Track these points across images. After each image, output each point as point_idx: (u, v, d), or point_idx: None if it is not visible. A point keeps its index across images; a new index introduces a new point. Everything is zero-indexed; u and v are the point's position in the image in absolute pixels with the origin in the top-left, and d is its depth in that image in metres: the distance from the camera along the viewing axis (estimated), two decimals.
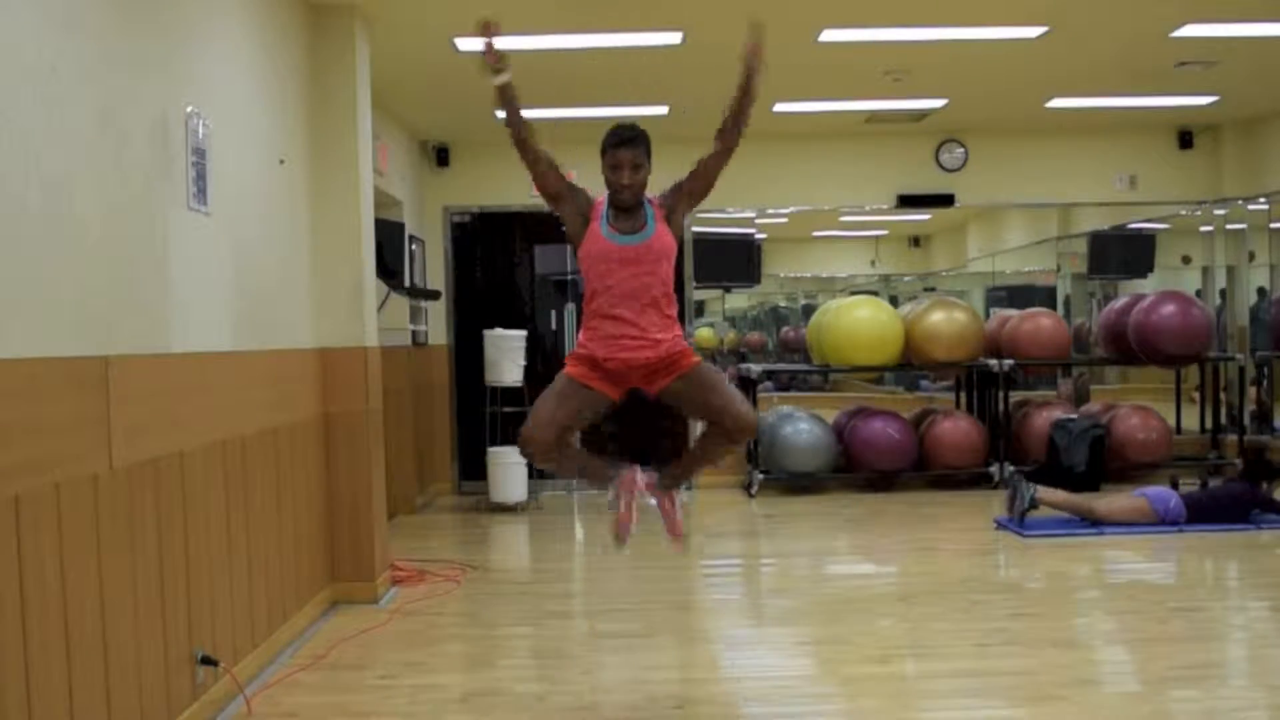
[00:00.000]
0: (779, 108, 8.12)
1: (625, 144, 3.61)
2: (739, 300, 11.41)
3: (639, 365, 3.63)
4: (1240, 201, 9.11)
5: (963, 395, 9.66)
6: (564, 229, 3.74)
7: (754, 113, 3.75)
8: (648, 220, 3.63)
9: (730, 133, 3.79)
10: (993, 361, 8.66)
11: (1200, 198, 9.30)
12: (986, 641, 4.60)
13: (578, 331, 3.75)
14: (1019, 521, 6.78)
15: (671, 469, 3.85)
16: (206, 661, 3.75)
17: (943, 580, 5.75)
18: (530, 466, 8.25)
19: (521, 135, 3.67)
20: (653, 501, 3.81)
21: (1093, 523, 6.78)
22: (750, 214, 9.40)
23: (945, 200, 9.27)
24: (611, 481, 3.81)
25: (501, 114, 3.70)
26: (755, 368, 9.01)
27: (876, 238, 12.29)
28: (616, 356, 3.62)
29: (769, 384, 10.32)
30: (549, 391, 3.70)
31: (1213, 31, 6.35)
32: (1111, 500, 6.89)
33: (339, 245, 5.39)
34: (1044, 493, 6.93)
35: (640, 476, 3.80)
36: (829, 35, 6.21)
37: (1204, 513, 6.78)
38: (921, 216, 10.83)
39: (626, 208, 3.63)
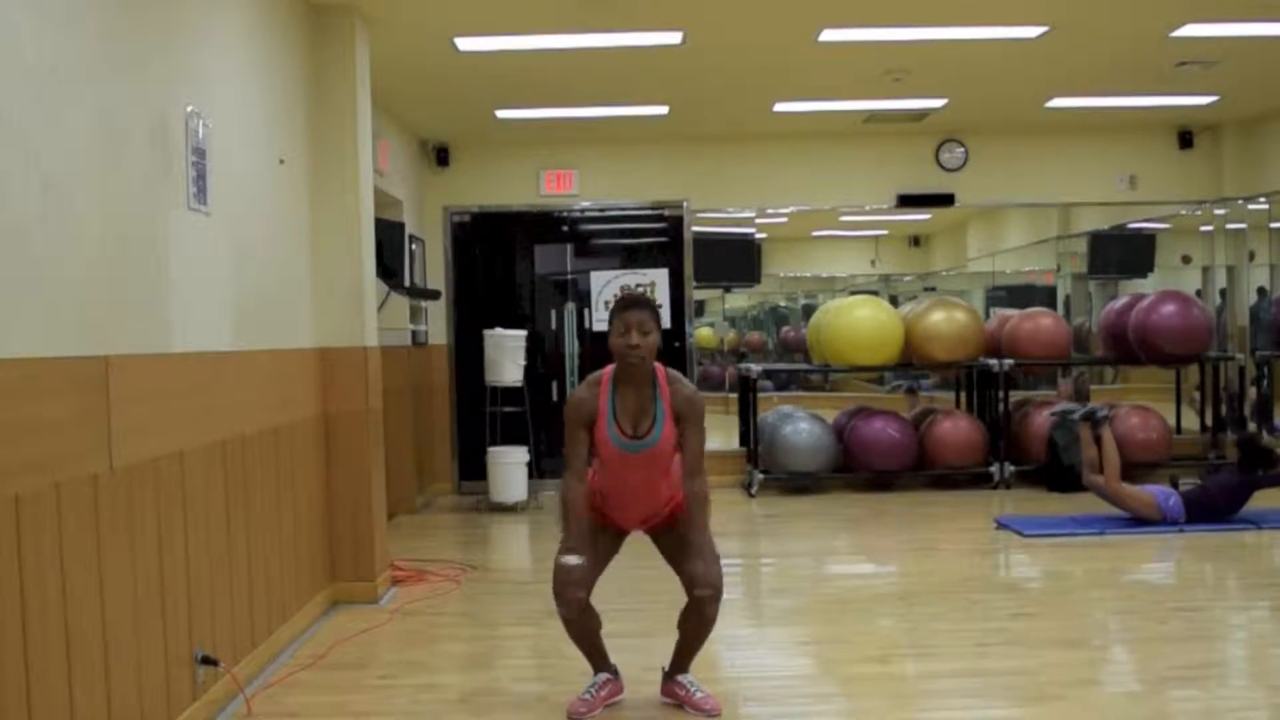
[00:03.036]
0: (779, 108, 8.12)
1: (633, 307, 3.65)
2: (739, 300, 11.39)
3: (641, 523, 3.89)
4: (1240, 201, 9.11)
5: (963, 395, 9.66)
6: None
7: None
8: (656, 419, 3.69)
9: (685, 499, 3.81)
10: (993, 361, 8.66)
11: (1200, 197, 9.30)
12: (986, 641, 4.60)
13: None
14: (1084, 417, 6.98)
15: (674, 658, 3.90)
16: (206, 661, 3.75)
17: (943, 580, 5.75)
18: (531, 466, 8.27)
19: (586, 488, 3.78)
20: (671, 699, 3.89)
21: (1103, 496, 6.81)
22: (750, 214, 9.40)
23: (945, 200, 9.27)
24: (596, 673, 3.91)
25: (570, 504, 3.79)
26: (755, 368, 9.01)
27: (876, 237, 12.27)
28: (623, 524, 3.89)
29: (769, 384, 10.32)
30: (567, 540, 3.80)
31: (1213, 31, 6.35)
32: (1129, 485, 6.91)
33: (339, 245, 5.39)
34: (1087, 439, 7.02)
35: (613, 690, 3.90)
36: (829, 35, 6.22)
37: (1201, 508, 6.79)
38: (921, 216, 10.82)
39: (633, 379, 3.66)
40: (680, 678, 3.88)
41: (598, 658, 3.91)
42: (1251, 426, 8.83)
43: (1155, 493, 6.85)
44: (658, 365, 3.72)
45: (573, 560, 3.65)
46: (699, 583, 3.67)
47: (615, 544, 3.92)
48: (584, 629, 3.81)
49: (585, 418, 3.70)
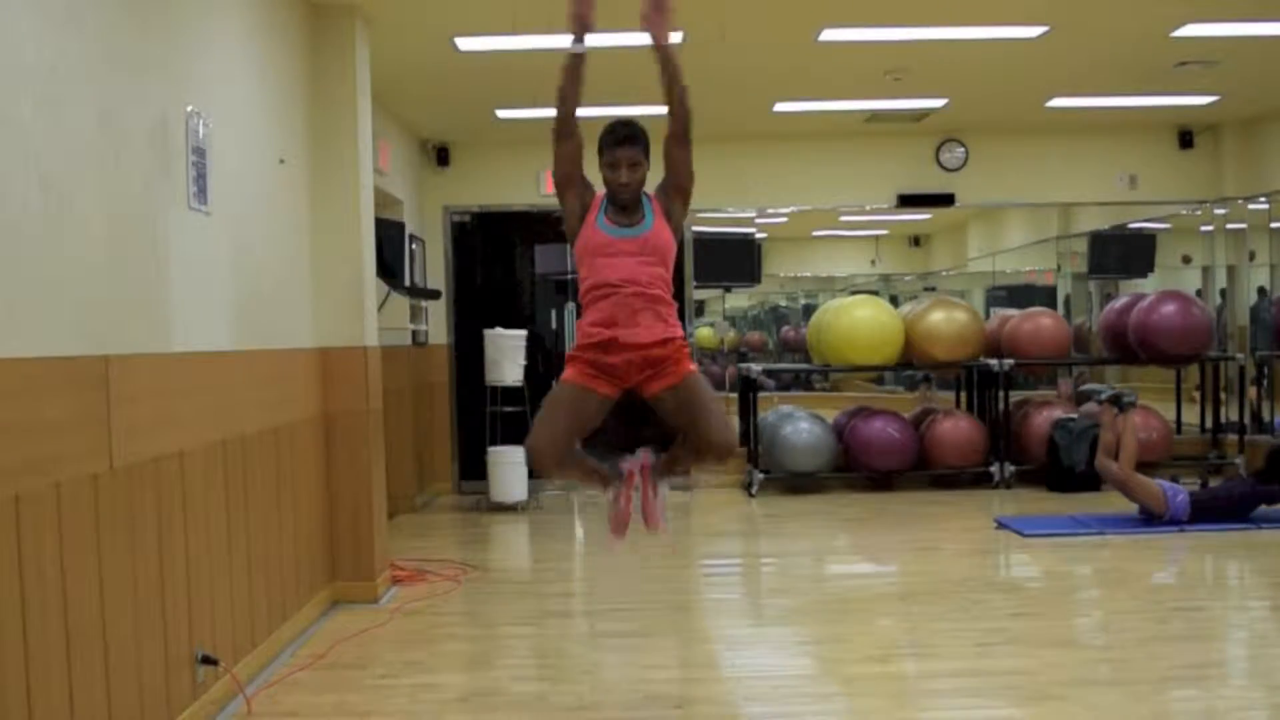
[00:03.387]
0: (779, 108, 8.12)
1: (623, 142, 3.58)
2: (739, 300, 11.41)
3: (638, 355, 3.53)
4: (1240, 201, 9.11)
5: (963, 395, 9.66)
6: (563, 224, 3.70)
7: (682, 80, 3.72)
8: (646, 215, 3.61)
9: (673, 109, 3.72)
10: (993, 361, 8.65)
11: (1200, 197, 9.30)
12: (986, 641, 4.60)
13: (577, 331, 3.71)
14: (1108, 398, 6.97)
15: (660, 463, 3.80)
16: (206, 661, 3.75)
17: (943, 580, 5.75)
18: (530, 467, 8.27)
19: (571, 110, 3.61)
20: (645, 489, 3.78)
21: (1112, 480, 6.83)
22: (750, 214, 9.40)
23: (945, 200, 9.27)
24: (613, 481, 3.78)
25: (562, 86, 3.63)
26: (755, 367, 9.01)
27: (876, 237, 12.29)
28: (615, 348, 3.53)
29: (771, 383, 10.32)
30: (550, 402, 3.65)
31: (1213, 31, 6.34)
32: (1141, 477, 6.89)
33: (339, 245, 5.39)
34: (1108, 422, 7.02)
35: (639, 465, 3.75)
36: (829, 35, 6.21)
37: (1207, 512, 6.79)
38: (922, 216, 10.83)
39: (624, 206, 3.61)
40: (659, 483, 3.79)
41: (600, 475, 3.79)
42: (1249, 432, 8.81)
43: (1164, 487, 6.83)
44: (647, 191, 3.65)
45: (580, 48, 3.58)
46: (716, 448, 3.56)
47: (602, 409, 3.62)
48: (567, 472, 3.75)
49: (584, 196, 3.62)
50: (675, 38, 3.69)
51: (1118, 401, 7.05)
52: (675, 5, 3.60)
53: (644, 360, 3.54)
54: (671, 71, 3.64)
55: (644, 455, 3.76)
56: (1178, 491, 6.83)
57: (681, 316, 9.85)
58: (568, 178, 3.64)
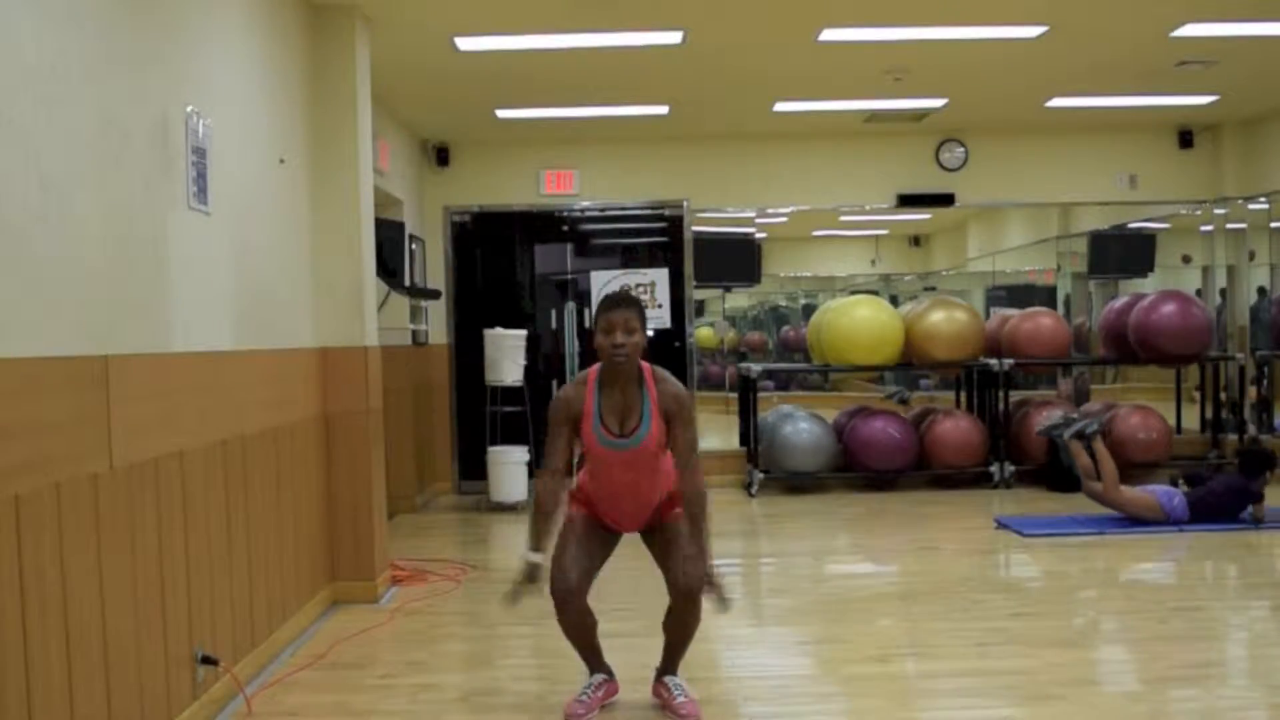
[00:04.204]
0: (779, 108, 8.12)
1: (618, 307, 3.59)
2: (739, 300, 11.40)
3: (634, 520, 3.84)
4: (1240, 201, 9.11)
5: (963, 395, 9.66)
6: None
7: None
8: (643, 418, 3.63)
9: (682, 499, 3.77)
10: (993, 361, 8.66)
11: (1200, 197, 9.30)
12: (986, 641, 4.60)
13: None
14: (1093, 433, 6.89)
15: (662, 658, 3.90)
16: (206, 661, 3.75)
17: (943, 580, 5.75)
18: (531, 466, 8.26)
19: (561, 486, 3.75)
20: (659, 700, 3.88)
21: (1103, 503, 6.79)
22: (750, 214, 9.40)
23: (945, 200, 9.27)
24: (591, 673, 3.90)
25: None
26: (755, 367, 9.01)
27: (876, 237, 12.28)
28: (611, 523, 3.84)
29: (769, 383, 10.32)
30: (564, 537, 3.77)
31: (1213, 31, 6.35)
32: (1130, 489, 6.89)
33: (339, 245, 5.39)
34: (1078, 450, 6.99)
35: (609, 690, 3.89)
36: (829, 35, 6.22)
37: (1205, 509, 6.80)
38: (921, 216, 10.82)
39: (619, 379, 3.62)
40: (666, 679, 3.87)
41: (594, 658, 3.90)
42: (1251, 430, 8.83)
43: (1158, 493, 6.84)
44: (644, 364, 3.66)
45: (536, 558, 3.63)
46: (679, 585, 3.65)
47: (610, 544, 3.89)
48: (580, 629, 3.79)
49: (570, 416, 3.66)
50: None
51: (1081, 436, 7.01)
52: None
53: (640, 519, 3.84)
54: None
55: (606, 686, 3.87)
56: (1172, 495, 6.83)
57: (681, 316, 9.90)
58: (569, 439, 3.72)
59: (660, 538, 3.79)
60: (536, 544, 3.67)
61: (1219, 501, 6.86)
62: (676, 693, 3.81)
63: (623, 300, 3.62)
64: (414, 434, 8.35)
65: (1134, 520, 6.84)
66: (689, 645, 3.85)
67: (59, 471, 2.87)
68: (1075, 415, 7.14)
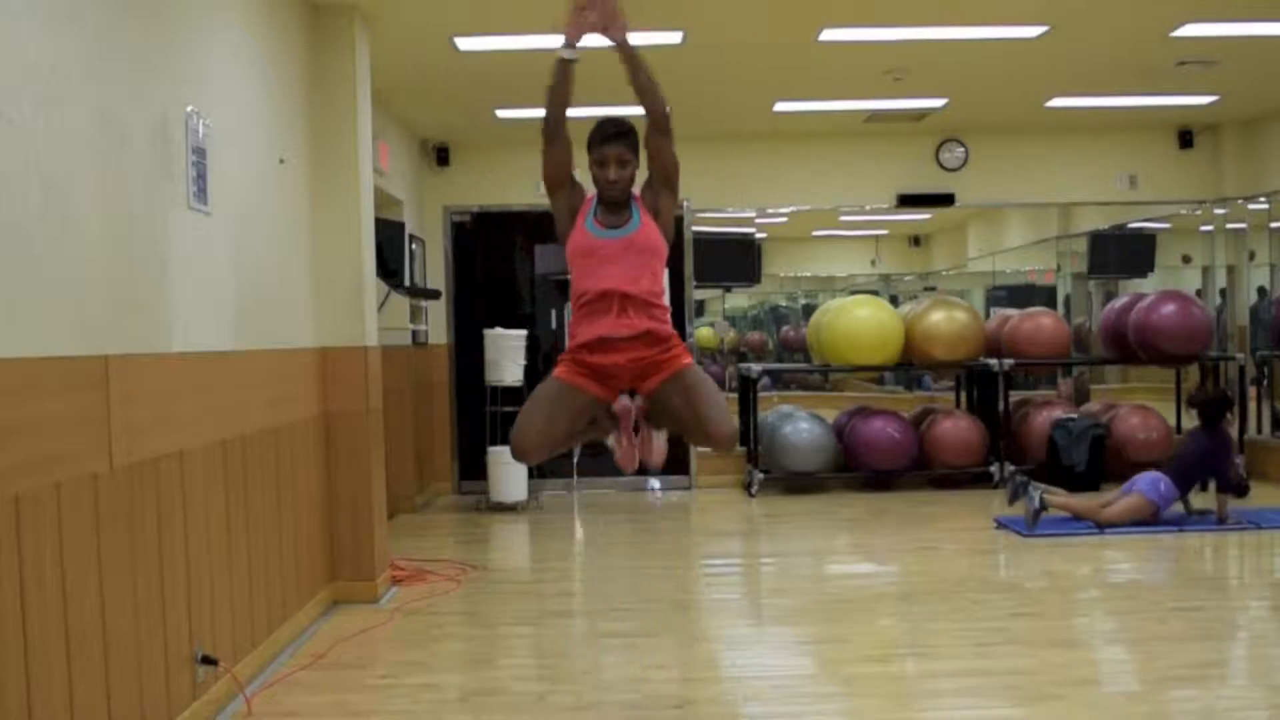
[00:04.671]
0: (779, 108, 8.12)
1: (611, 139, 3.57)
2: (739, 300, 11.40)
3: (629, 360, 3.50)
4: (1240, 201, 9.11)
5: (963, 395, 9.66)
6: (555, 225, 3.70)
7: (649, 73, 3.64)
8: (633, 215, 3.59)
9: (646, 102, 3.64)
10: (993, 361, 8.66)
11: (1200, 197, 9.30)
12: (986, 641, 4.60)
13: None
14: (1031, 525, 6.75)
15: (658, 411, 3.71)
16: (206, 661, 3.75)
17: (943, 580, 5.75)
18: (531, 468, 8.26)
19: (560, 115, 3.63)
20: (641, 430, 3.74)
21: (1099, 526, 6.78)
22: (750, 214, 9.40)
23: (945, 200, 9.27)
24: (609, 430, 3.75)
25: (551, 88, 3.64)
26: (755, 367, 9.01)
27: (876, 237, 12.28)
28: (608, 354, 3.49)
29: (768, 381, 10.32)
30: (538, 398, 3.60)
31: (1213, 31, 6.34)
32: (1113, 504, 6.87)
33: (339, 245, 5.39)
34: (1051, 495, 6.94)
35: (631, 406, 3.69)
36: (829, 35, 6.22)
37: (1187, 477, 6.85)
38: (921, 216, 10.82)
39: (614, 204, 3.59)
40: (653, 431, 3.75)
41: (589, 437, 3.78)
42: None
43: (1143, 489, 6.80)
44: (634, 191, 3.63)
45: (569, 54, 3.58)
46: (719, 439, 3.51)
47: (589, 409, 3.60)
48: (548, 457, 3.73)
49: (574, 199, 3.63)
50: (633, 37, 3.66)
51: (1035, 508, 6.83)
52: (622, 7, 3.56)
53: (636, 361, 3.50)
54: (635, 67, 3.60)
55: (632, 401, 3.72)
56: (1157, 481, 6.83)
57: (681, 316, 9.91)
58: (557, 180, 3.65)
59: (678, 388, 3.52)
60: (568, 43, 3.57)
61: (1198, 464, 6.90)
62: (656, 438, 3.73)
63: (615, 133, 3.58)
64: (414, 434, 8.35)
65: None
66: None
67: (59, 471, 2.87)
68: (1031, 494, 6.99)
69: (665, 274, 3.69)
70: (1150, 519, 6.77)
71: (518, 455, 3.60)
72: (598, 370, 3.53)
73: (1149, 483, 6.84)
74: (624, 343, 3.48)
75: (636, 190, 3.64)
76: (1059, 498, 6.99)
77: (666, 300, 3.66)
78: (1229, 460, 6.93)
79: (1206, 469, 6.93)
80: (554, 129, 3.62)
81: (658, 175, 3.64)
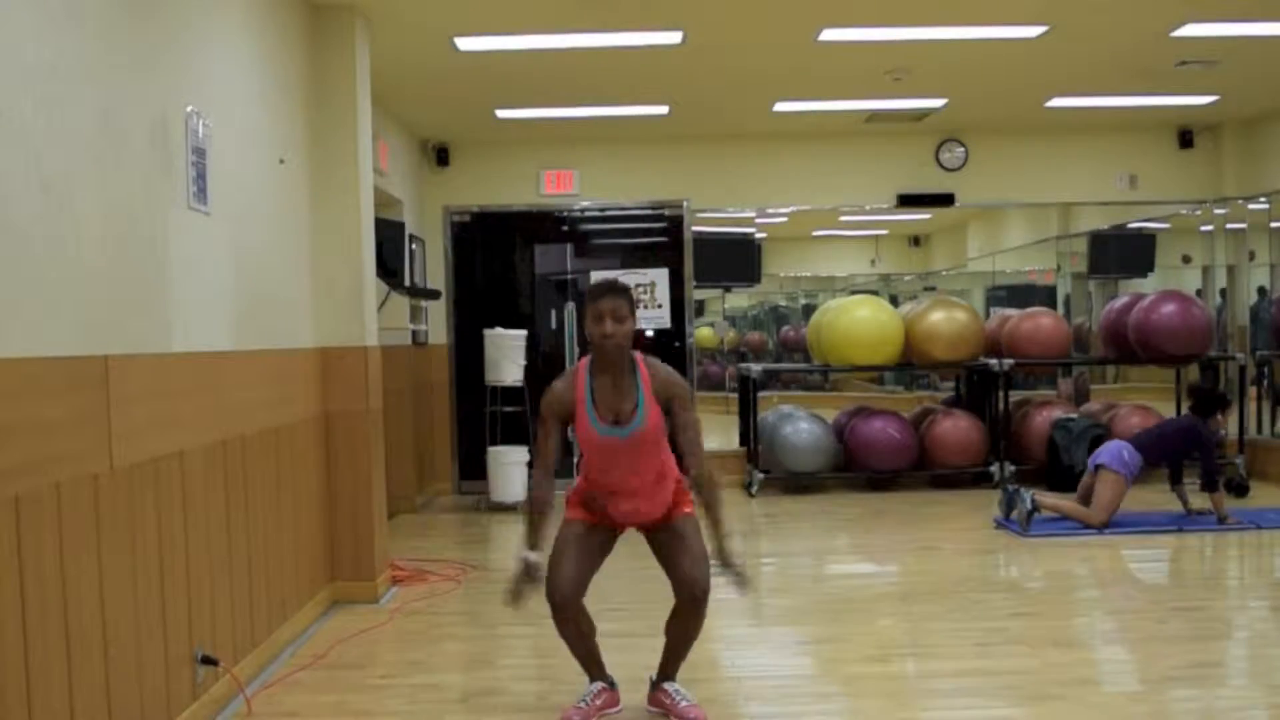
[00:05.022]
0: (779, 108, 8.12)
1: (607, 294, 3.54)
2: (739, 300, 11.40)
3: (639, 523, 3.77)
4: (1240, 201, 9.11)
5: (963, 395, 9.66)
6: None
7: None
8: (639, 404, 3.58)
9: (693, 483, 3.72)
10: (993, 361, 8.66)
11: (1200, 197, 9.30)
12: (986, 641, 4.60)
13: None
14: (1025, 526, 6.76)
15: (661, 663, 3.84)
16: (206, 661, 3.75)
17: (943, 580, 5.75)
18: (530, 466, 8.26)
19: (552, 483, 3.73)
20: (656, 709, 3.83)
21: (1097, 528, 6.77)
22: (750, 214, 9.40)
23: (945, 200, 9.27)
24: (591, 680, 3.84)
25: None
26: (755, 367, 9.00)
27: (876, 237, 12.28)
28: (617, 519, 3.75)
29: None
30: (560, 543, 3.72)
31: (1213, 31, 6.35)
32: (1095, 500, 6.81)
33: (339, 245, 5.39)
34: (1042, 497, 6.94)
35: (608, 700, 3.82)
36: (829, 35, 6.22)
37: (1155, 451, 6.87)
38: (921, 216, 10.82)
39: (610, 367, 3.58)
40: (666, 685, 3.81)
41: (592, 665, 3.84)
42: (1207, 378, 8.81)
43: (1108, 463, 6.77)
44: (636, 353, 3.62)
45: (533, 557, 3.60)
46: (688, 586, 3.60)
47: (608, 544, 3.83)
48: (578, 635, 3.74)
49: (561, 412, 3.63)
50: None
51: (1027, 510, 6.87)
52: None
53: (641, 524, 3.77)
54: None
55: (606, 695, 3.81)
56: (1120, 450, 6.81)
57: (681, 317, 9.88)
58: (551, 429, 3.69)
59: (666, 537, 3.72)
60: (533, 542, 3.64)
61: (1177, 440, 6.91)
62: (679, 698, 3.77)
63: (610, 288, 3.57)
64: (414, 434, 8.35)
65: (1132, 519, 6.83)
66: (690, 649, 3.81)
67: (59, 471, 2.87)
68: (1020, 497, 7.01)
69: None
70: (1123, 491, 6.77)
71: (558, 607, 3.64)
72: (606, 519, 3.77)
73: (1112, 455, 6.82)
74: (636, 515, 3.73)
75: (651, 364, 3.65)
76: (1049, 499, 6.98)
77: (673, 468, 3.76)
78: (1211, 453, 6.89)
79: (1183, 449, 6.90)
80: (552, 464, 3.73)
81: (677, 413, 3.66)
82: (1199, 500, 7.00)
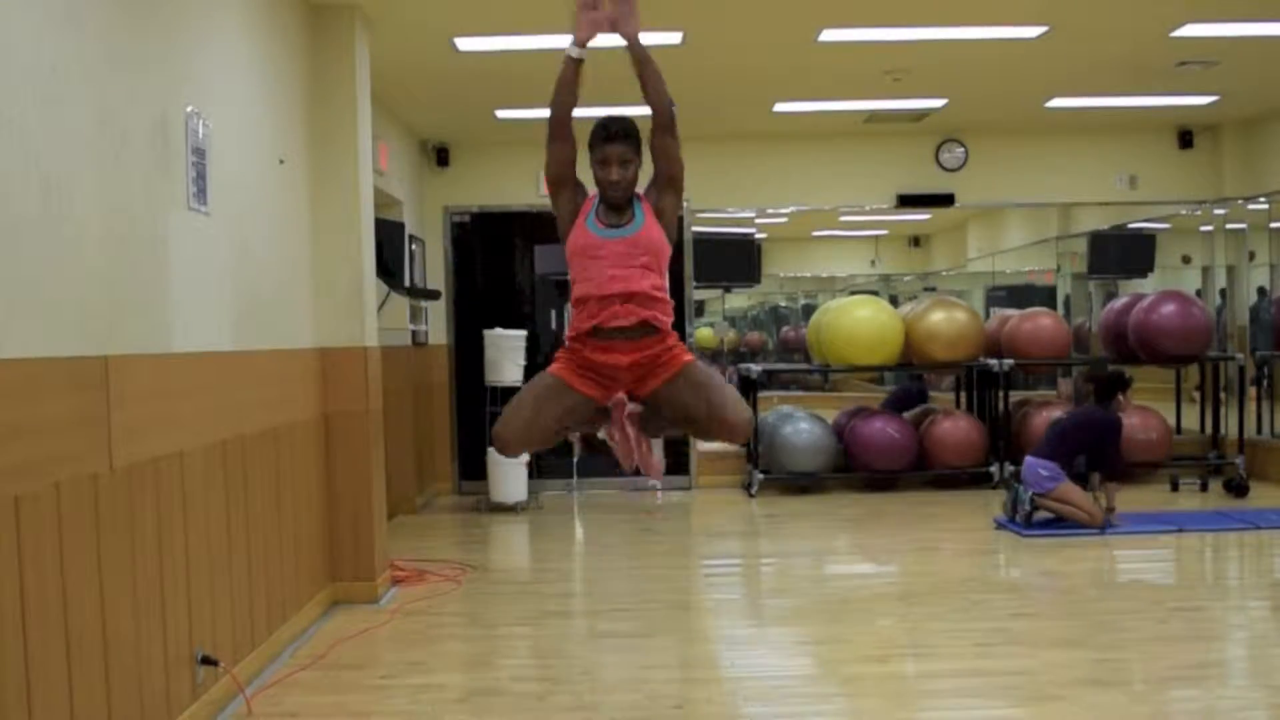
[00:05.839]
0: (779, 108, 8.12)
1: (613, 139, 3.50)
2: (739, 300, 11.42)
3: (631, 361, 3.42)
4: (1240, 201, 9.11)
5: (963, 395, 9.66)
6: (557, 226, 3.64)
7: (656, 71, 3.58)
8: (636, 215, 3.52)
9: (651, 100, 3.57)
10: (993, 361, 8.66)
11: (1200, 197, 9.30)
12: (986, 641, 4.60)
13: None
14: (1025, 524, 6.77)
15: (652, 416, 3.62)
16: (206, 661, 3.75)
17: (943, 580, 5.75)
18: (531, 466, 8.27)
19: (566, 116, 3.56)
20: (630, 431, 3.63)
21: (1099, 528, 6.77)
22: (750, 214, 9.40)
23: (945, 200, 9.27)
24: (601, 426, 3.69)
25: (560, 87, 3.57)
26: (755, 368, 9.01)
27: (876, 237, 12.29)
28: (609, 352, 3.42)
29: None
30: (528, 393, 3.57)
31: (1213, 31, 6.35)
32: (1072, 516, 6.78)
33: (339, 245, 5.39)
34: (1042, 499, 6.91)
35: (624, 400, 3.59)
36: (829, 35, 6.22)
37: (1063, 444, 6.88)
38: (921, 216, 10.83)
39: (616, 205, 3.54)
40: (648, 438, 3.68)
41: (579, 436, 3.79)
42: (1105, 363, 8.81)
43: (1044, 486, 6.79)
44: (637, 192, 3.56)
45: (576, 53, 3.51)
46: (736, 431, 3.41)
47: (579, 410, 3.55)
48: (535, 445, 3.70)
49: (576, 198, 3.56)
50: (644, 35, 3.63)
51: (1026, 510, 6.89)
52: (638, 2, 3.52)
53: (637, 364, 3.44)
54: (645, 65, 3.56)
55: (622, 397, 3.61)
56: (1035, 469, 6.83)
57: (681, 316, 9.90)
58: (560, 179, 3.59)
59: (681, 386, 3.43)
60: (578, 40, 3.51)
61: (1077, 432, 6.92)
62: (654, 451, 3.68)
63: (617, 132, 3.51)
64: (414, 434, 8.35)
65: (1132, 519, 6.83)
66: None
67: (59, 472, 2.87)
68: (1020, 494, 7.02)
69: (667, 279, 3.60)
70: (1076, 491, 6.80)
71: (498, 445, 3.56)
72: (596, 369, 3.47)
73: (1036, 481, 6.82)
74: (625, 340, 3.40)
75: (640, 190, 3.58)
76: (1049, 500, 6.95)
77: (669, 302, 3.55)
78: (1116, 441, 6.88)
79: (1088, 439, 6.89)
80: (559, 128, 3.56)
81: (662, 175, 3.57)
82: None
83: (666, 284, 3.57)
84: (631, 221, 3.50)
